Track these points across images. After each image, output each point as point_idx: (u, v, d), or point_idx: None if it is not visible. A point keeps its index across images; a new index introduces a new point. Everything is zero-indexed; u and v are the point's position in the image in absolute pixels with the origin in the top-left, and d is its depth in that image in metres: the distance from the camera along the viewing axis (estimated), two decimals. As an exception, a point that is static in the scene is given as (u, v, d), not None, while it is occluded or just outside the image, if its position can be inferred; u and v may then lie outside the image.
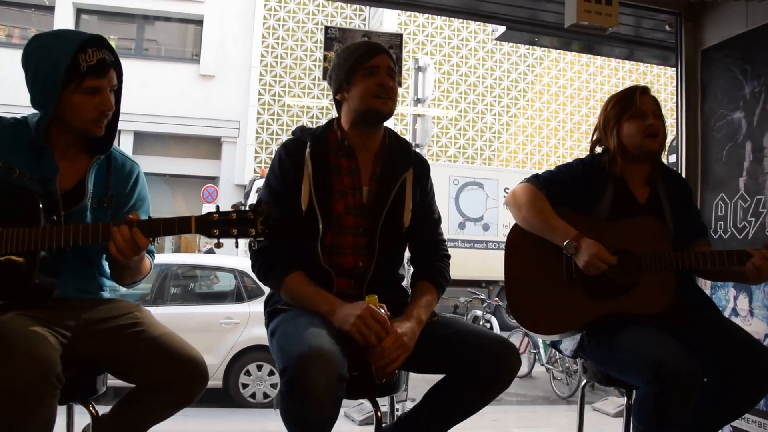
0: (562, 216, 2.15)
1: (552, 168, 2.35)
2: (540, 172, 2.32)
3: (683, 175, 3.28)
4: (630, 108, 2.23)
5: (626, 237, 2.13)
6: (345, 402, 1.69)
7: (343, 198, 1.97)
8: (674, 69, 3.56)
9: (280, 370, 1.64)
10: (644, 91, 2.27)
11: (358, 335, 1.72)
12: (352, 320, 1.73)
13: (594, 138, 2.37)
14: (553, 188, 2.21)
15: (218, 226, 1.69)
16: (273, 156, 2.03)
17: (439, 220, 2.15)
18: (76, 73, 1.75)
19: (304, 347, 1.57)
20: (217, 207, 1.74)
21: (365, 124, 2.01)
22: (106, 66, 1.80)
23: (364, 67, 1.96)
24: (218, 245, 1.72)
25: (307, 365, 1.54)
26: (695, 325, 2.09)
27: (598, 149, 2.36)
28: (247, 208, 1.71)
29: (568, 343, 2.24)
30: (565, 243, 2.08)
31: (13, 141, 1.81)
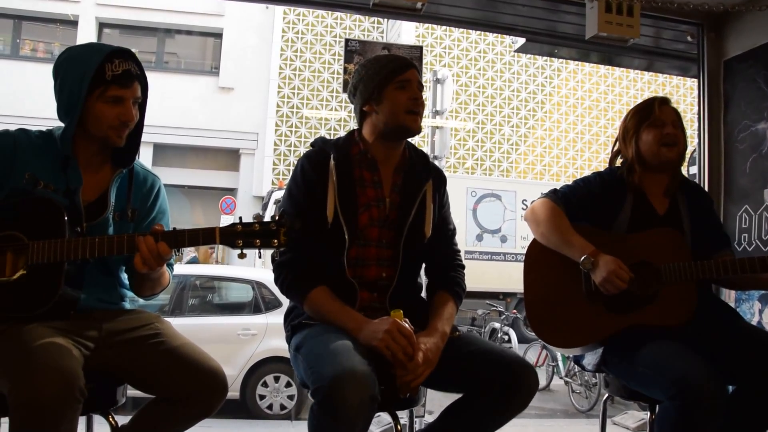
0: (579, 231, 2.14)
1: (570, 182, 2.34)
2: (558, 186, 2.31)
3: (705, 187, 3.24)
4: (649, 118, 2.24)
5: (645, 249, 2.11)
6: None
7: (368, 211, 1.97)
8: (694, 80, 3.53)
9: (311, 390, 1.63)
10: (663, 101, 2.27)
11: (386, 350, 1.72)
12: (380, 336, 1.73)
13: (614, 149, 2.37)
14: (571, 203, 2.21)
15: (242, 237, 1.70)
16: (294, 167, 2.03)
17: (454, 231, 2.15)
18: (101, 80, 1.78)
19: (338, 369, 1.56)
20: (240, 218, 1.76)
21: (393, 138, 2.01)
22: (131, 77, 1.83)
23: (396, 81, 1.96)
24: (242, 256, 1.72)
25: (340, 386, 1.53)
26: (719, 334, 2.06)
27: (618, 161, 2.35)
28: (270, 220, 1.72)
29: (590, 358, 2.22)
30: (582, 258, 2.07)
31: (39, 153, 1.84)
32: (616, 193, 2.23)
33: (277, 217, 1.72)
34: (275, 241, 1.69)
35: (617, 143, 2.35)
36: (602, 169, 2.37)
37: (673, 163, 2.23)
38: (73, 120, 1.80)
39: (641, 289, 2.07)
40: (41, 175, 1.80)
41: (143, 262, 1.71)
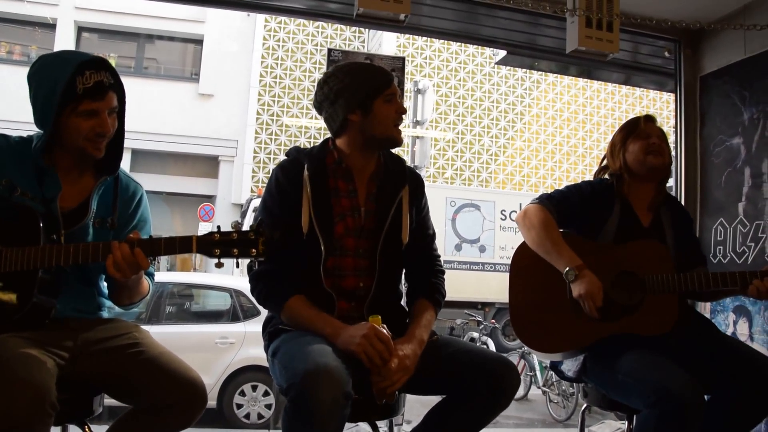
0: (567, 239, 2.18)
1: (561, 188, 2.39)
2: (550, 192, 2.36)
3: (682, 200, 3.30)
4: (634, 131, 2.33)
5: (630, 259, 2.16)
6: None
7: (343, 221, 1.96)
8: (671, 94, 3.60)
9: (284, 388, 1.63)
10: (649, 118, 2.37)
11: (363, 355, 1.71)
12: (358, 340, 1.72)
13: (601, 165, 2.44)
14: (561, 208, 2.25)
15: (219, 246, 1.69)
16: (269, 177, 2.01)
17: (433, 235, 2.16)
18: (72, 95, 1.74)
19: (310, 364, 1.56)
20: (218, 227, 1.73)
21: (375, 148, 2.02)
22: (103, 89, 1.79)
23: (384, 94, 1.96)
24: (219, 265, 1.71)
25: (312, 382, 1.53)
26: (697, 343, 2.11)
27: (605, 176, 2.41)
28: (248, 229, 1.70)
29: (570, 365, 2.24)
30: (566, 270, 2.11)
31: (18, 159, 1.81)
32: (605, 202, 2.29)
33: (255, 226, 1.71)
34: (254, 250, 1.68)
35: (605, 159, 2.42)
36: (593, 179, 2.43)
37: (659, 171, 2.30)
38: (47, 132, 1.78)
39: (625, 299, 2.11)
40: (19, 182, 1.78)
41: (116, 267, 1.68)
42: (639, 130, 2.32)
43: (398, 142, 2.01)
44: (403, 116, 2.01)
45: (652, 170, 2.28)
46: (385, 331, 1.76)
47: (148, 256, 1.70)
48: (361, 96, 1.95)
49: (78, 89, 1.74)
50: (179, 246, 1.71)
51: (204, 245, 1.69)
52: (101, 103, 1.79)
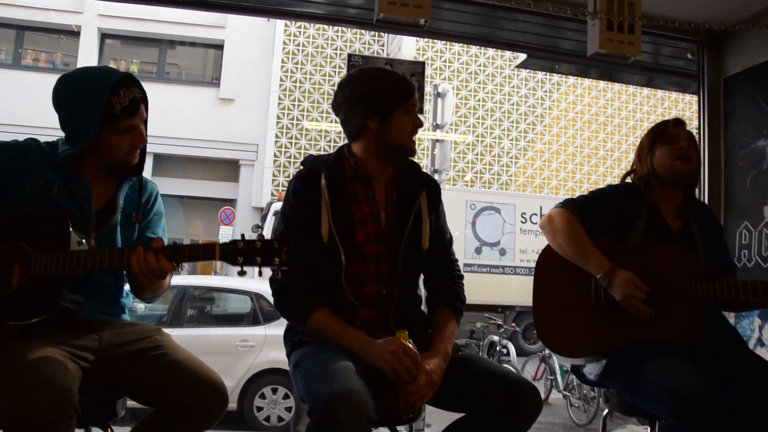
0: (594, 243, 2.15)
1: (586, 192, 2.37)
2: (574, 196, 2.34)
3: (706, 203, 3.25)
4: (662, 136, 2.29)
5: (658, 265, 2.12)
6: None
7: (364, 227, 1.95)
8: (693, 96, 3.55)
9: (307, 409, 1.63)
10: (677, 122, 2.32)
11: (391, 371, 1.71)
12: (386, 356, 1.72)
13: (629, 169, 2.41)
14: (587, 213, 2.22)
15: (243, 254, 1.70)
16: (287, 188, 2.00)
17: (451, 240, 2.15)
18: (110, 115, 1.81)
19: (334, 389, 1.56)
20: (242, 235, 1.75)
21: (390, 157, 2.01)
22: (137, 104, 1.87)
23: (406, 105, 1.96)
24: (242, 273, 1.72)
25: (336, 408, 1.52)
26: (722, 356, 2.06)
27: (629, 180, 2.38)
28: (272, 237, 1.71)
29: (592, 368, 2.22)
30: (598, 277, 2.09)
31: (49, 162, 1.86)
32: (631, 206, 2.26)
33: (278, 236, 1.72)
34: (277, 259, 1.69)
35: (633, 164, 2.39)
36: (619, 183, 2.40)
37: (687, 177, 2.26)
38: (82, 147, 1.84)
39: (651, 305, 2.07)
40: (54, 182, 1.83)
41: (143, 275, 1.72)
42: (667, 135, 2.27)
43: (412, 153, 2.01)
44: (419, 129, 2.00)
45: (679, 176, 2.24)
46: (411, 346, 1.76)
47: (171, 262, 1.73)
48: (384, 103, 1.94)
49: (116, 109, 1.82)
50: (203, 253, 1.74)
51: (227, 253, 1.71)
52: (136, 117, 1.87)
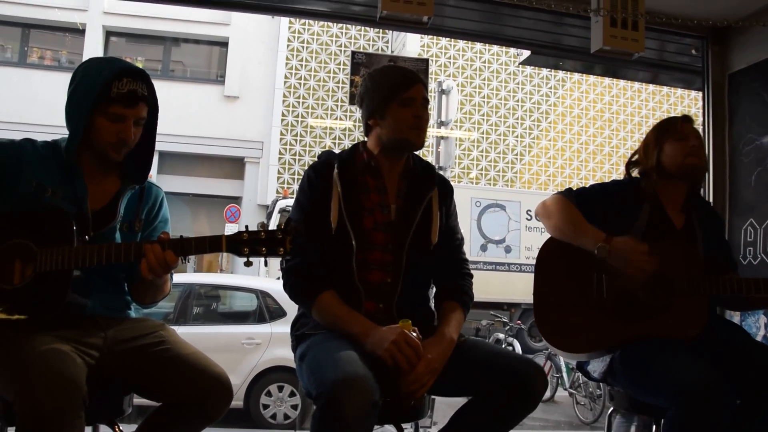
0: None
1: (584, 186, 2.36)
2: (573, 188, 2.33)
3: (710, 201, 3.25)
4: (672, 132, 2.26)
5: (660, 260, 2.10)
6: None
7: (372, 215, 1.99)
8: (698, 92, 3.54)
9: (313, 396, 1.64)
10: (687, 119, 2.31)
11: (390, 360, 1.73)
12: (386, 345, 1.74)
13: (632, 160, 2.38)
14: (583, 202, 2.22)
15: (248, 244, 1.73)
16: (301, 178, 2.07)
17: (462, 241, 2.17)
18: (106, 97, 1.80)
19: (339, 374, 1.58)
20: (246, 226, 1.77)
21: (395, 151, 2.04)
22: (135, 98, 1.84)
23: (400, 98, 1.98)
24: (248, 264, 1.74)
25: (341, 392, 1.54)
26: (726, 348, 2.06)
27: (635, 174, 2.37)
28: (276, 228, 1.74)
29: (597, 365, 2.21)
30: (597, 248, 2.07)
31: (45, 162, 1.86)
32: (633, 200, 2.25)
33: (283, 226, 1.74)
34: (281, 249, 1.71)
35: (636, 155, 2.36)
36: (621, 178, 2.40)
37: (697, 173, 2.25)
38: (79, 131, 1.83)
39: (654, 299, 2.07)
40: (48, 183, 1.83)
41: (149, 269, 1.73)
42: (676, 132, 2.25)
43: (415, 145, 2.02)
44: (423, 120, 2.00)
45: (691, 172, 2.23)
46: (414, 335, 1.77)
47: (178, 256, 1.74)
48: (376, 102, 2.00)
49: (112, 92, 1.80)
50: (209, 245, 1.76)
51: (233, 244, 1.73)
52: (130, 111, 1.84)
